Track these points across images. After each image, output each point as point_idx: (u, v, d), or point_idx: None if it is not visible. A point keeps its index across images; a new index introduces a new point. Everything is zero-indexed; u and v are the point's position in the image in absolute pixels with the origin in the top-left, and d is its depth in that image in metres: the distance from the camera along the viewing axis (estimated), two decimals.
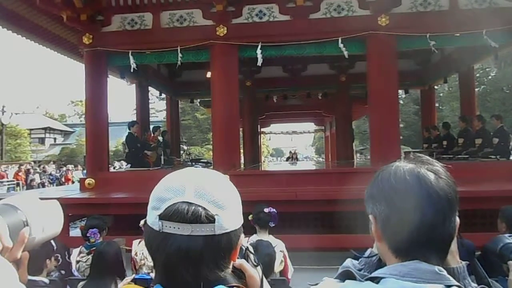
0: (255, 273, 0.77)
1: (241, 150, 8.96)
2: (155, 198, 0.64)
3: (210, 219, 0.61)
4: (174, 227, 0.60)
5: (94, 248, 2.73)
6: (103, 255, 2.30)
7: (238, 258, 0.72)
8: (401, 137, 6.94)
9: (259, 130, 13.17)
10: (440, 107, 21.94)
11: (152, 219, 0.63)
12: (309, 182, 5.30)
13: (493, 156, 6.21)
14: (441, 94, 22.33)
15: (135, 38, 5.90)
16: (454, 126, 8.63)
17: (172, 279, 0.61)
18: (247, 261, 0.84)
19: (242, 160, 8.15)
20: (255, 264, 0.83)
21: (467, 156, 6.77)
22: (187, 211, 0.60)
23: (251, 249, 0.89)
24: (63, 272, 2.79)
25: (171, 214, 0.61)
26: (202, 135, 28.40)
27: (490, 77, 22.19)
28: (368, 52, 5.61)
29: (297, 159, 20.00)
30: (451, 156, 7.05)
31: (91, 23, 5.89)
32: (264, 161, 21.89)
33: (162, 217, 0.61)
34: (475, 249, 2.05)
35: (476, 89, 10.14)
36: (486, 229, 3.90)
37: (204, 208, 0.61)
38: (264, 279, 0.79)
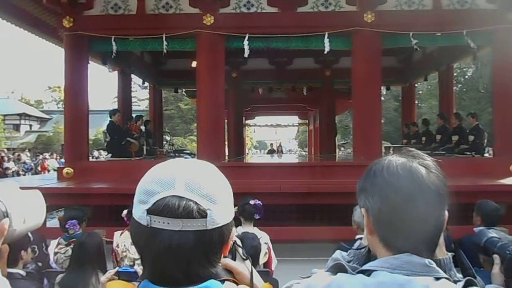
0: (243, 268, 0.75)
1: (226, 142, 8.91)
2: (142, 191, 0.60)
3: (202, 214, 0.58)
4: (164, 222, 0.57)
5: (73, 239, 2.66)
6: (85, 246, 2.25)
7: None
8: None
9: (244, 122, 13.13)
10: (419, 104, 22.53)
11: (139, 213, 0.59)
12: (293, 175, 5.34)
13: (468, 153, 6.47)
14: (420, 92, 22.92)
15: (118, 23, 5.69)
16: (432, 123, 8.92)
17: (161, 275, 0.59)
18: (236, 255, 0.82)
19: (226, 152, 8.12)
20: (244, 257, 0.82)
21: (444, 152, 7.02)
22: (178, 206, 0.57)
23: (239, 242, 0.87)
24: (40, 264, 2.72)
25: (161, 209, 0.58)
26: (185, 126, 28.06)
27: (466, 76, 22.93)
28: (353, 47, 5.66)
29: (282, 152, 20.12)
30: (429, 151, 7.29)
31: (72, 5, 5.63)
32: (248, 153, 21.91)
33: (150, 211, 0.58)
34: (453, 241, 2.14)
35: (453, 88, 10.47)
36: (461, 222, 4.06)
37: (196, 203, 0.58)
38: (255, 271, 0.79)
